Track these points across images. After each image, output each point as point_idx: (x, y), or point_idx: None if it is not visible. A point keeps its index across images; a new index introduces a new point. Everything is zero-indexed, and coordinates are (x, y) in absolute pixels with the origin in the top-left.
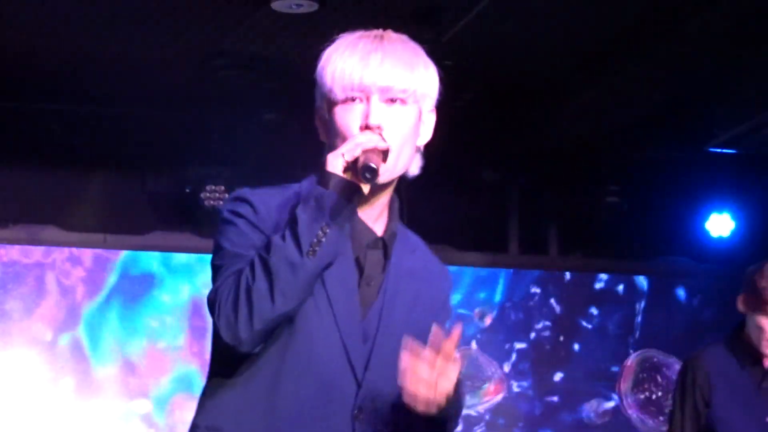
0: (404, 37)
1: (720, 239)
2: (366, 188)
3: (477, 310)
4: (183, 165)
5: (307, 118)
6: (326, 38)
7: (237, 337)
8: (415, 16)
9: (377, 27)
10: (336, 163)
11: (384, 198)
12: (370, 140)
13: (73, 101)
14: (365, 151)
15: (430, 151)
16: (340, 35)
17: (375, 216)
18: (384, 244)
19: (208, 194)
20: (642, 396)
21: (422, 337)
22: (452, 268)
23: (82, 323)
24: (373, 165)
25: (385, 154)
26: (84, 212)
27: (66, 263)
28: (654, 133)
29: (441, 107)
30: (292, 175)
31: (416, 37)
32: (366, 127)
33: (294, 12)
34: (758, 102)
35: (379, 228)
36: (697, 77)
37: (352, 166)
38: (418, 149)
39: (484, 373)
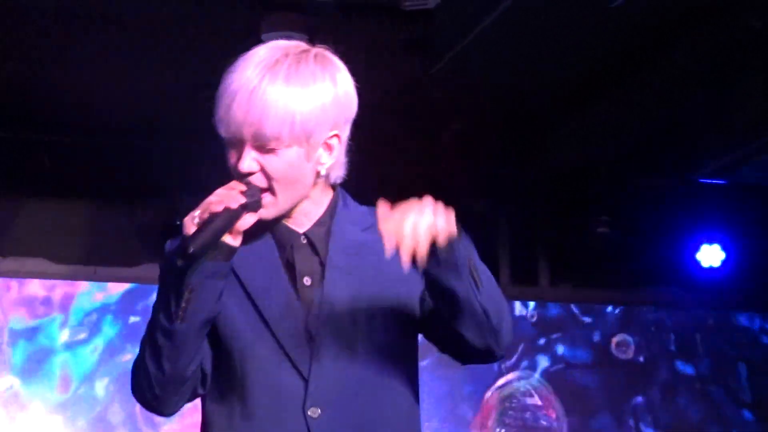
0: (305, 58)
1: (710, 269)
2: (233, 239)
3: None
4: (172, 196)
5: None
6: None
7: (152, 407)
8: (405, 49)
9: (369, 60)
10: (189, 226)
11: (304, 206)
12: (219, 201)
13: (61, 132)
14: (214, 214)
15: (418, 181)
16: (248, 52)
17: (301, 220)
18: (309, 240)
19: None
20: None
21: (394, 306)
22: None
23: None
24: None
25: (255, 204)
26: (72, 244)
27: None
28: (644, 163)
29: (429, 137)
30: None
31: (405, 70)
32: (240, 174)
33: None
34: (747, 132)
35: (307, 226)
36: (686, 107)
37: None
38: (317, 173)
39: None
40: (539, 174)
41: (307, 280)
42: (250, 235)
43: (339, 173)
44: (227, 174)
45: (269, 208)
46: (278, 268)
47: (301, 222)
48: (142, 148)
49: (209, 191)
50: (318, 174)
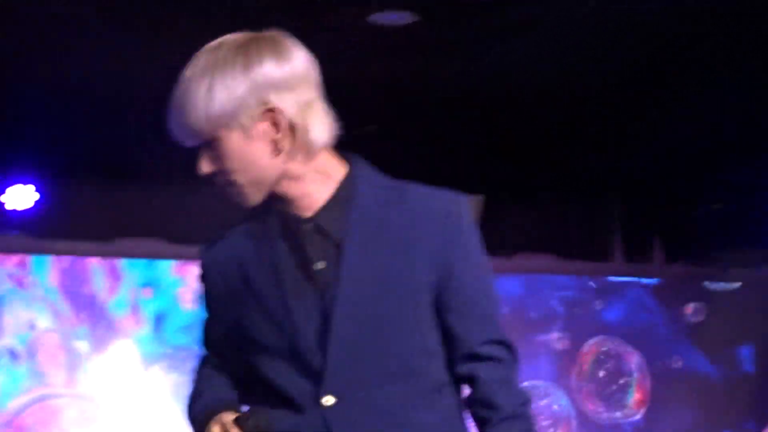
0: (225, 47)
1: None
2: None
3: None
4: None
5: (408, 132)
6: (421, 55)
7: None
8: (514, 29)
9: (478, 38)
10: None
11: (299, 187)
12: None
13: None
14: None
15: (532, 160)
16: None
17: (305, 202)
18: (317, 224)
19: None
20: None
21: (416, 286)
22: (554, 277)
23: None
24: None
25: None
26: None
27: None
28: (756, 143)
29: (540, 117)
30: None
31: (515, 50)
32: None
33: (392, 24)
34: None
35: (314, 209)
36: None
37: None
38: (276, 150)
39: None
40: (651, 152)
41: (320, 264)
42: (258, 227)
43: (317, 138)
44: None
45: (244, 199)
46: (286, 256)
47: (307, 205)
48: None
49: None
50: (277, 150)
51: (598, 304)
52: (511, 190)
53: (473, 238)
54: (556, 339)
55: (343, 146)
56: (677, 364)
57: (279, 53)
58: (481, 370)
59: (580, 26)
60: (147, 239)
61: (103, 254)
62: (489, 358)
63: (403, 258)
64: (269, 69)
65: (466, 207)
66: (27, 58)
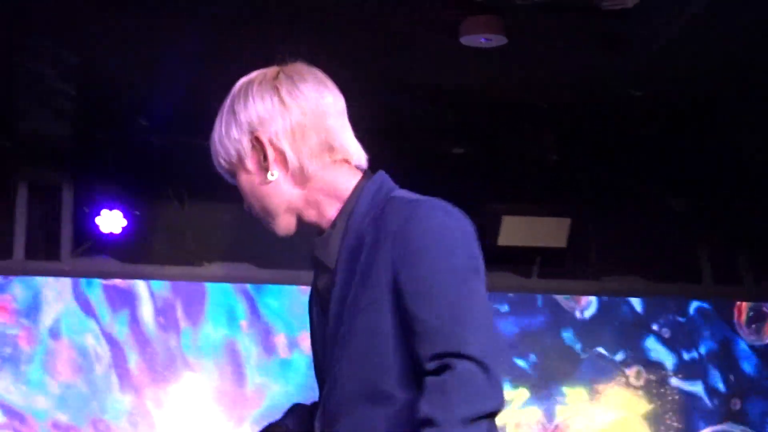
0: (236, 89)
1: None
2: None
3: None
4: None
5: (496, 151)
6: (514, 72)
7: None
8: (603, 47)
9: (566, 60)
10: None
11: (306, 216)
12: None
13: None
14: None
15: (615, 180)
16: None
17: (314, 232)
18: (314, 255)
19: None
20: None
21: (366, 316)
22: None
23: None
24: None
25: None
26: None
27: None
28: None
29: (628, 136)
30: (478, 209)
31: (604, 66)
32: None
33: (482, 46)
34: None
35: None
36: None
37: None
38: (267, 177)
39: None
40: (736, 169)
41: (328, 295)
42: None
43: (308, 162)
44: (420, 177)
45: (272, 229)
46: (313, 291)
47: (316, 235)
48: None
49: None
50: (269, 179)
51: None
52: (598, 211)
53: (426, 245)
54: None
55: (430, 164)
56: None
57: (269, 89)
58: (425, 388)
59: (670, 45)
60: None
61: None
62: (433, 373)
63: (369, 281)
64: (254, 106)
65: (425, 212)
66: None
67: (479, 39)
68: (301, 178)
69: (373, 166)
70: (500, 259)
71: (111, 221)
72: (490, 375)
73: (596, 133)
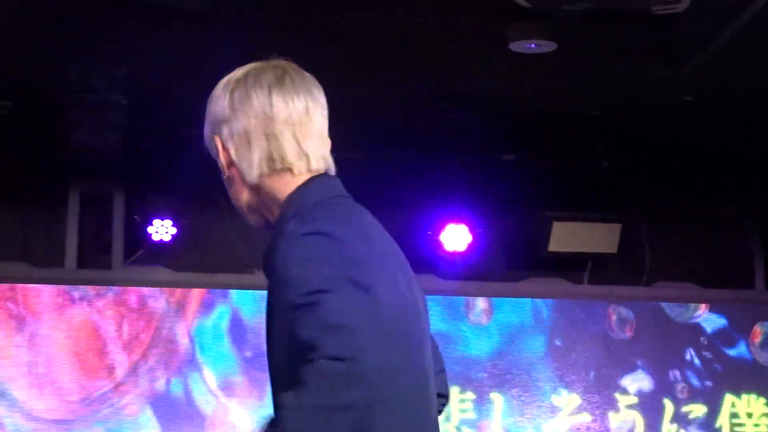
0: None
1: None
2: None
3: None
4: (421, 207)
5: (547, 158)
6: (563, 79)
7: None
8: (652, 53)
9: (615, 65)
10: None
11: (269, 218)
12: None
13: None
14: None
15: (666, 186)
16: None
17: None
18: None
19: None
20: None
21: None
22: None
23: None
24: None
25: None
26: None
27: None
28: None
29: (679, 142)
30: (529, 216)
31: (654, 72)
32: None
33: (531, 52)
34: None
35: None
36: None
37: None
38: (224, 177)
39: None
40: None
41: None
42: None
43: (248, 168)
44: (473, 185)
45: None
46: None
47: None
48: (387, 160)
49: (458, 202)
50: (228, 180)
51: None
52: (649, 216)
53: (284, 274)
54: None
55: (481, 171)
56: None
57: (226, 92)
58: None
59: (721, 50)
60: None
61: None
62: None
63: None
64: (217, 104)
65: (291, 240)
66: None
67: (528, 45)
68: (248, 183)
69: (424, 175)
70: (551, 266)
71: (162, 230)
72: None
73: (647, 139)
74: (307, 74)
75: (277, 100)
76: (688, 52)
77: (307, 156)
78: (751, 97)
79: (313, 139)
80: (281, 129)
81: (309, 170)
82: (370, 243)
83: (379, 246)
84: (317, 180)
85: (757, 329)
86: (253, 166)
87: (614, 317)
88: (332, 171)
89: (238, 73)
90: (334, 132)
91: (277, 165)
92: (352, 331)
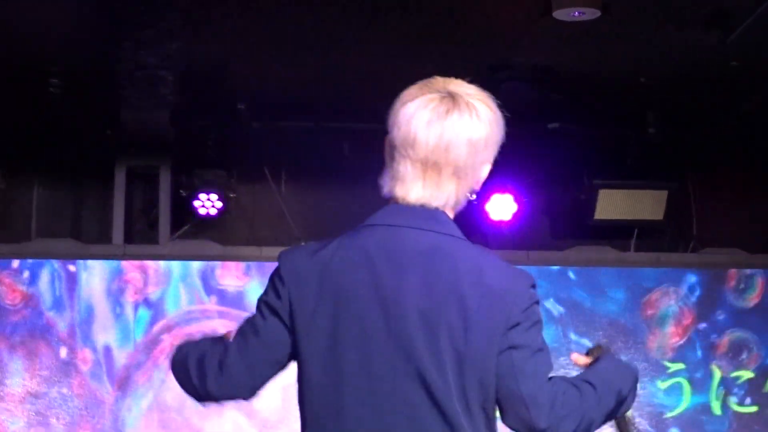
0: None
1: None
2: None
3: None
4: None
5: (593, 126)
6: (609, 46)
7: None
8: (698, 19)
9: (661, 32)
10: None
11: None
12: None
13: (356, 119)
14: None
15: (712, 153)
16: None
17: None
18: None
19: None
20: None
21: None
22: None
23: None
24: None
25: None
26: None
27: None
28: None
29: (726, 108)
30: (575, 184)
31: (700, 40)
32: None
33: (576, 20)
34: None
35: None
36: None
37: None
38: None
39: None
40: None
41: None
42: None
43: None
44: (520, 153)
45: None
46: None
47: None
48: None
49: (503, 172)
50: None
51: None
52: (696, 183)
53: None
54: None
55: (528, 140)
56: None
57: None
58: None
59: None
60: None
61: None
62: None
63: None
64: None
65: None
66: None
67: (573, 12)
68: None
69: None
70: (597, 233)
71: (208, 204)
72: None
73: (694, 106)
74: None
75: (407, 125)
76: (735, 18)
77: (400, 185)
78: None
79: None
80: (395, 153)
81: (397, 198)
82: None
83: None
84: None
85: None
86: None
87: None
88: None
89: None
90: None
91: (384, 188)
92: None
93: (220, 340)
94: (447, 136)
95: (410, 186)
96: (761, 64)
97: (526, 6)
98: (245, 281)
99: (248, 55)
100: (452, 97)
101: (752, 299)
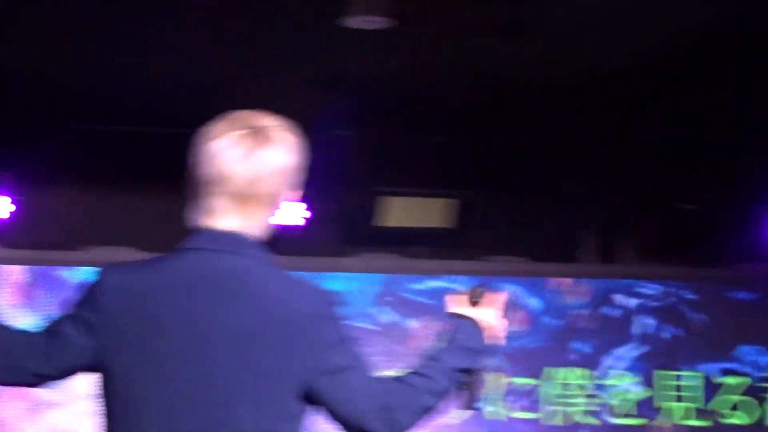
0: None
1: None
2: None
3: None
4: None
5: (381, 134)
6: (401, 54)
7: None
8: (496, 31)
9: (456, 44)
10: None
11: None
12: None
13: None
14: None
15: (508, 162)
16: None
17: None
18: None
19: None
20: None
21: None
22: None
23: None
24: None
25: None
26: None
27: None
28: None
29: (522, 118)
30: (364, 191)
31: (491, 50)
32: None
33: (368, 28)
34: None
35: None
36: None
37: None
38: None
39: None
40: (628, 153)
41: None
42: None
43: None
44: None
45: None
46: None
47: None
48: None
49: None
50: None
51: None
52: (486, 192)
53: None
54: None
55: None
56: None
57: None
58: None
59: (562, 29)
60: None
61: None
62: None
63: None
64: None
65: None
66: None
67: (365, 20)
68: None
69: None
70: (386, 241)
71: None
72: None
73: (485, 114)
74: None
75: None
76: (531, 29)
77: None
78: (583, 74)
79: None
80: None
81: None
82: None
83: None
84: None
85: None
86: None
87: None
88: None
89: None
90: None
91: None
92: None
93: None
94: (258, 171)
95: (221, 218)
96: (552, 75)
97: (319, 13)
98: None
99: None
100: (259, 131)
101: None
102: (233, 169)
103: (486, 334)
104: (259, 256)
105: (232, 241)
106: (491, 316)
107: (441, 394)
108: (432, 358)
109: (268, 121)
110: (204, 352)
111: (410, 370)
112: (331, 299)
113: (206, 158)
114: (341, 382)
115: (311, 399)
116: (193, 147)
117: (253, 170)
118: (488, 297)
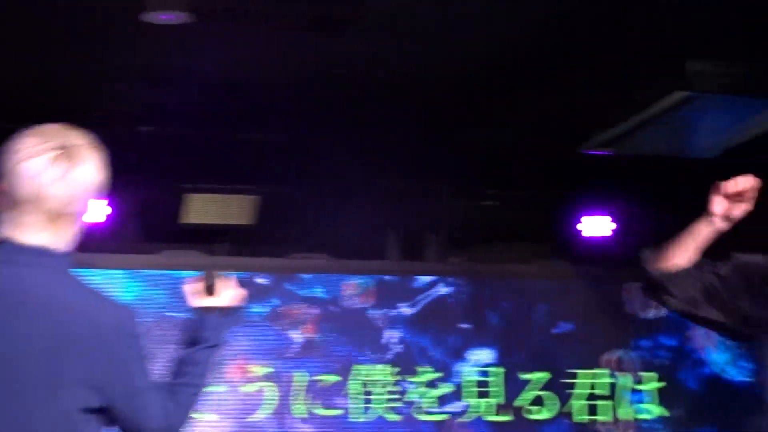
0: None
1: (595, 240)
2: None
3: None
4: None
5: (182, 129)
6: (199, 50)
7: None
8: (305, 25)
9: (261, 36)
10: None
11: None
12: None
13: None
14: None
15: (309, 159)
16: None
17: None
18: None
19: None
20: None
21: None
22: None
23: None
24: None
25: None
26: None
27: None
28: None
29: (343, 115)
30: (163, 187)
31: (307, 45)
32: None
33: (166, 23)
34: (629, 105)
35: None
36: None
37: None
38: None
39: None
40: (442, 150)
41: None
42: None
43: None
44: (114, 155)
45: None
46: None
47: None
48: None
49: None
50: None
51: None
52: (288, 188)
53: None
54: None
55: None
56: None
57: None
58: None
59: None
60: None
61: None
62: None
63: None
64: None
65: None
66: None
67: (160, 16)
68: None
69: None
70: (187, 238)
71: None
72: None
73: (292, 110)
74: None
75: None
76: (339, 24)
77: None
78: (395, 73)
79: None
80: None
81: None
82: None
83: None
84: None
85: None
86: None
87: None
88: None
89: None
90: None
91: None
92: None
93: None
94: (74, 192)
95: (31, 233)
96: (367, 73)
97: (120, 7)
98: None
99: None
100: (71, 151)
101: None
102: (50, 191)
103: (228, 317)
104: (64, 271)
105: (38, 255)
106: (228, 298)
107: (203, 389)
108: (191, 363)
109: (78, 140)
110: (8, 372)
111: (179, 381)
112: (133, 315)
113: (22, 179)
114: (140, 405)
115: (106, 416)
116: (4, 163)
117: (70, 191)
118: (220, 279)
